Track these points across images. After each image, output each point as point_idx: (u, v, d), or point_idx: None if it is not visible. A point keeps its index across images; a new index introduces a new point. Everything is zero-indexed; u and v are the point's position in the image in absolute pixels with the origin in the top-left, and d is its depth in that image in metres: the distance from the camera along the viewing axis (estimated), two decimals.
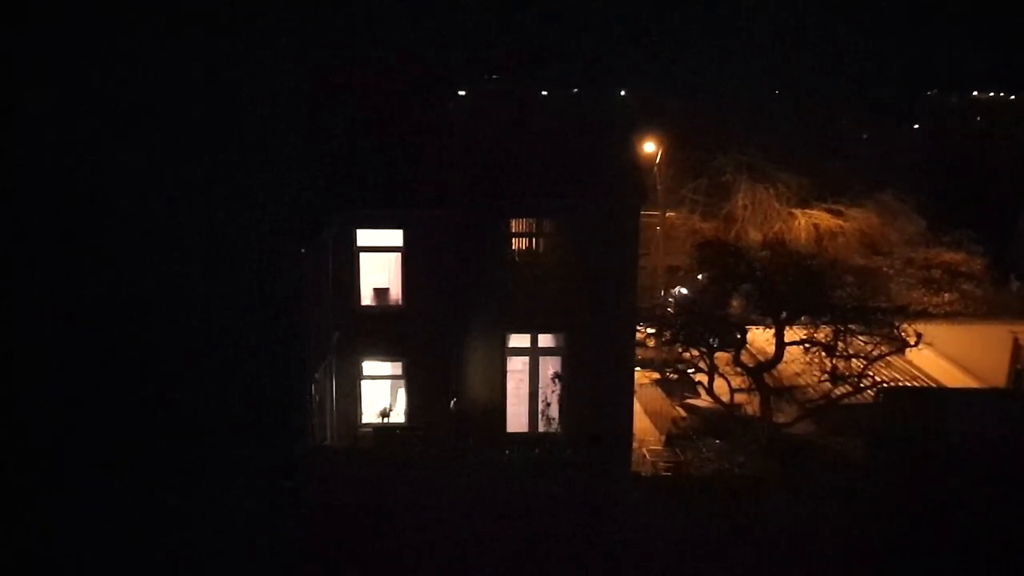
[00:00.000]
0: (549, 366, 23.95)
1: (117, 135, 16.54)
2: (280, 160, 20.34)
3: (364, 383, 23.60)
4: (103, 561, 14.54)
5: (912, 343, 24.85)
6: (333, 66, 26.25)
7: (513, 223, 23.70)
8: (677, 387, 29.06)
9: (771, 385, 25.57)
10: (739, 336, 25.51)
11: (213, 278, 17.12)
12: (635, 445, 24.28)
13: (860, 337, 24.40)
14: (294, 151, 21.34)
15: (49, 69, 15.99)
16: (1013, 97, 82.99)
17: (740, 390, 25.90)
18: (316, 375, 21.17)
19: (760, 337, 27.08)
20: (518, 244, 24.07)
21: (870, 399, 24.21)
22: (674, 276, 37.13)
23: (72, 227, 16.02)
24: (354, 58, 29.19)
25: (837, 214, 38.63)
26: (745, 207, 37.95)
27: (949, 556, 16.34)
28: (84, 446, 15.61)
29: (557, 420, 23.66)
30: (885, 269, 38.33)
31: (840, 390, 24.60)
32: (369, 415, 23.45)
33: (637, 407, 26.24)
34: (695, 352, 25.97)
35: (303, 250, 19.66)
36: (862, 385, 24.58)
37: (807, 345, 24.78)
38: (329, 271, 22.35)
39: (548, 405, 23.74)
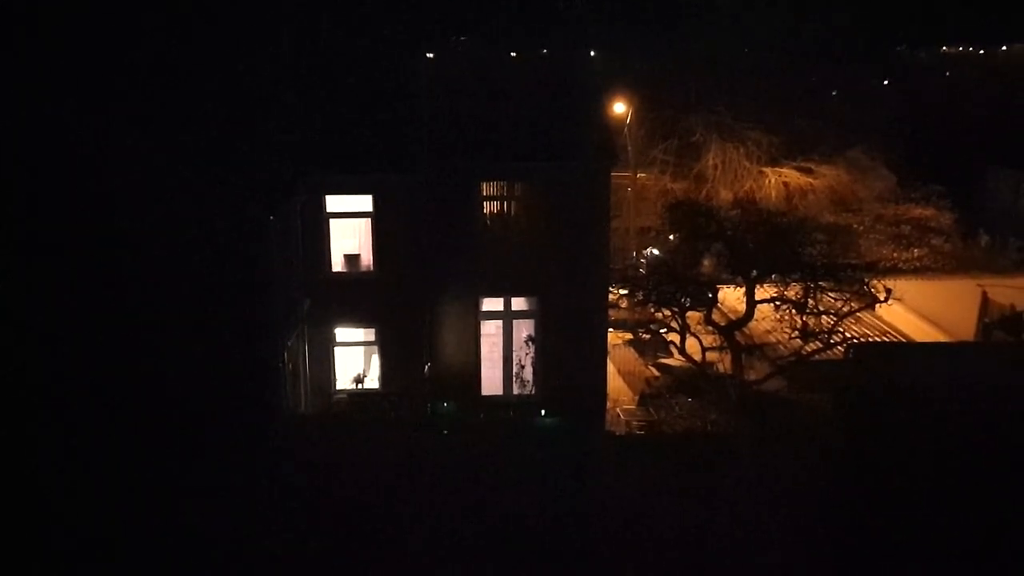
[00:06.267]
0: (523, 329, 24.01)
1: (77, 100, 16.32)
2: (247, 126, 20.15)
3: (337, 350, 23.59)
4: (81, 533, 14.53)
5: (882, 299, 25.07)
6: (300, 30, 25.95)
7: (484, 186, 23.64)
8: (650, 347, 29.24)
9: (742, 343, 25.78)
10: (710, 295, 25.65)
11: (180, 248, 17.00)
12: (609, 405, 24.45)
13: (830, 294, 24.57)
14: (261, 117, 21.14)
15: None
16: (982, 52, 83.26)
17: (712, 349, 26.09)
18: (288, 343, 21.13)
19: (731, 296, 27.26)
20: (489, 208, 24.01)
21: (840, 355, 24.44)
22: (646, 237, 37.20)
23: (30, 195, 15.83)
24: (321, 21, 28.86)
25: (807, 172, 38.78)
26: (715, 167, 38.02)
27: (918, 509, 16.61)
28: (51, 422, 15.52)
29: (532, 382, 23.76)
30: (855, 226, 38.59)
31: (810, 347, 24.83)
32: (343, 381, 23.45)
33: (610, 367, 26.39)
34: (667, 312, 26.09)
35: (271, 217, 19.54)
36: (832, 341, 24.80)
37: (777, 303, 24.95)
38: (299, 238, 22.23)
39: (522, 368, 23.83)
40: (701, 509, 16.81)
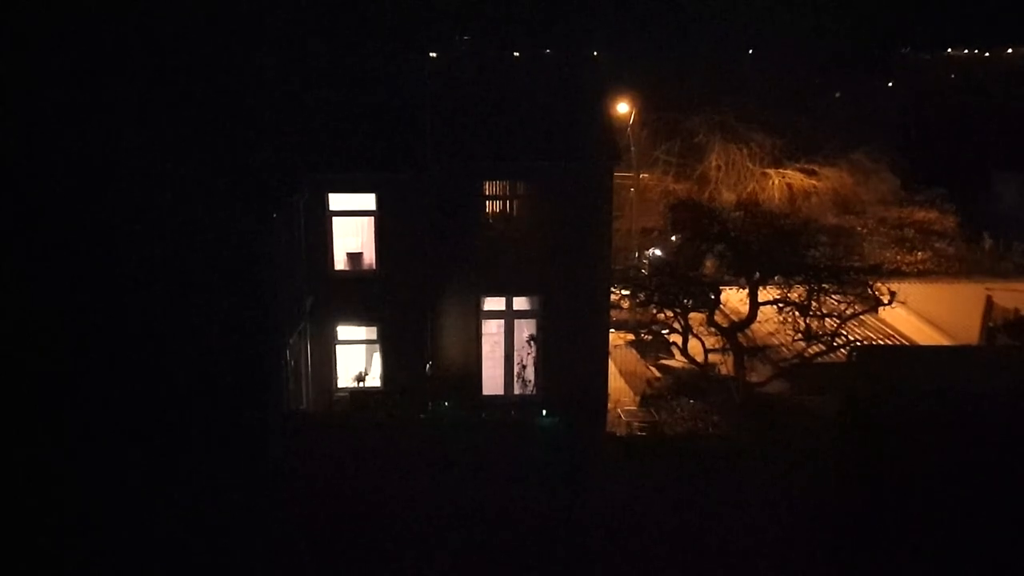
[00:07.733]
0: (524, 329, 23.96)
1: (79, 100, 16.29)
2: (250, 124, 20.12)
3: (339, 348, 23.54)
4: (80, 531, 14.50)
5: (885, 302, 25.00)
6: (304, 28, 25.93)
7: (487, 186, 23.60)
8: (651, 348, 29.17)
9: (745, 345, 25.70)
10: (713, 297, 25.59)
11: (183, 245, 16.96)
12: (610, 406, 24.38)
13: (833, 296, 24.51)
14: (264, 114, 21.11)
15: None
16: (987, 54, 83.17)
17: (714, 350, 26.02)
18: (290, 341, 21.09)
19: (734, 297, 27.19)
20: (492, 207, 23.96)
21: (843, 358, 24.39)
22: (648, 238, 37.12)
23: (31, 195, 15.81)
24: (326, 20, 28.84)
25: (810, 173, 38.73)
26: (718, 168, 37.95)
27: (920, 510, 16.56)
28: (51, 419, 15.49)
29: (533, 382, 23.71)
30: (858, 228, 38.54)
31: (813, 349, 24.75)
32: (345, 380, 23.41)
33: (612, 368, 26.33)
34: (669, 313, 26.04)
35: (274, 215, 19.49)
36: (835, 344, 24.74)
37: (781, 305, 24.88)
38: (301, 236, 22.19)
39: (524, 367, 23.77)
40: (702, 511, 16.77)
